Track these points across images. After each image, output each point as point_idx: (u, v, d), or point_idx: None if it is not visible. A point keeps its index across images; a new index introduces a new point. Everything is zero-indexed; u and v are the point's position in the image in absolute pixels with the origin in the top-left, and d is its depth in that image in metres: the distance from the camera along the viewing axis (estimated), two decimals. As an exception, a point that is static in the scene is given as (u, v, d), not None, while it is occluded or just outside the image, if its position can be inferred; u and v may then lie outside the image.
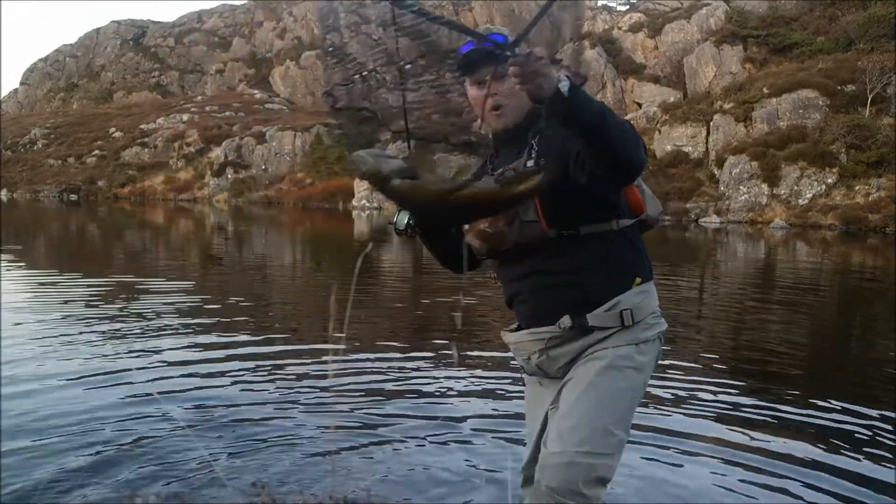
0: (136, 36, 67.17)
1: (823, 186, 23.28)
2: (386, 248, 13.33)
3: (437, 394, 4.08)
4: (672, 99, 32.87)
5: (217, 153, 41.23)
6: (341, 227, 22.55)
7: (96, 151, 47.50)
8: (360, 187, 32.33)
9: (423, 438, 3.32)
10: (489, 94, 1.76)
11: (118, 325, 5.75)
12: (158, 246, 15.51)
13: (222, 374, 4.37)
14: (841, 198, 22.79)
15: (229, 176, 40.06)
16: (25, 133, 51.66)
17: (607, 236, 1.77)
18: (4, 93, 77.75)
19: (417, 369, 4.61)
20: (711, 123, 26.88)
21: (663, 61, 36.06)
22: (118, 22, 69.18)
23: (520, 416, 2.06)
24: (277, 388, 4.10)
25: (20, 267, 10.23)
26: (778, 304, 8.08)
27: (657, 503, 2.71)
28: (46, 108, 63.52)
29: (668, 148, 27.25)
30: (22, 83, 70.83)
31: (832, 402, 3.99)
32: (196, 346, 5.14)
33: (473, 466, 3.00)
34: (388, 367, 4.61)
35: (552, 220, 1.72)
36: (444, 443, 3.28)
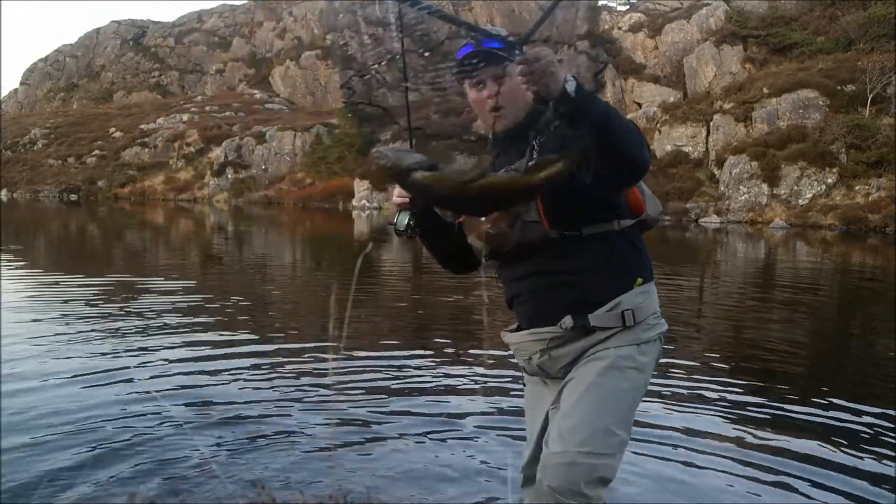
0: (136, 36, 67.14)
1: (823, 186, 23.27)
2: (386, 248, 13.33)
3: (438, 392, 4.09)
4: (672, 99, 32.85)
5: (217, 153, 41.20)
6: (341, 227, 22.55)
7: (96, 151, 47.47)
8: (360, 187, 32.32)
9: (424, 436, 3.33)
10: (489, 95, 1.76)
11: (118, 324, 5.76)
12: (158, 246, 15.51)
13: (222, 372, 4.37)
14: (841, 198, 22.78)
15: (229, 176, 40.03)
16: (25, 133, 51.63)
17: (609, 237, 1.77)
18: (4, 93, 77.79)
19: (418, 367, 4.61)
20: (711, 123, 26.86)
21: (663, 61, 36.05)
22: (118, 22, 69.15)
23: (521, 413, 2.06)
24: (277, 386, 4.10)
25: (20, 267, 10.23)
26: (778, 303, 8.08)
27: (661, 501, 2.72)
28: (46, 108, 63.49)
29: (668, 148, 27.24)
30: (22, 83, 70.81)
31: (833, 400, 4.00)
32: (196, 344, 5.14)
33: (474, 464, 3.01)
34: (389, 366, 4.61)
35: (554, 221, 1.72)
36: (445, 440, 3.28)
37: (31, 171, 47.13)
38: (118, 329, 5.58)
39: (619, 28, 39.58)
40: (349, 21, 1.73)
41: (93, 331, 5.48)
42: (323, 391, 4.01)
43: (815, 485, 2.87)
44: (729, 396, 4.09)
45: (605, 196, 1.74)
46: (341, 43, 1.76)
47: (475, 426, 3.47)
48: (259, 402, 3.80)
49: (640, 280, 1.80)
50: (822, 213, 22.39)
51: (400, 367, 4.59)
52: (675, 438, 3.35)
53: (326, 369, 4.47)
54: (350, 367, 4.55)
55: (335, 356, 4.86)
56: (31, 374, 4.23)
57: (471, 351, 5.11)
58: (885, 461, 3.13)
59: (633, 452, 3.07)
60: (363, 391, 4.03)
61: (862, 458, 3.17)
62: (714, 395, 4.09)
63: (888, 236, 19.35)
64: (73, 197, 43.11)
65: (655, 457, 3.12)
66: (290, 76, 52.34)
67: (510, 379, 4.22)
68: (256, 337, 5.48)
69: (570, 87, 1.45)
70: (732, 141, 25.95)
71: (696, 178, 26.10)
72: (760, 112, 25.83)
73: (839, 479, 2.92)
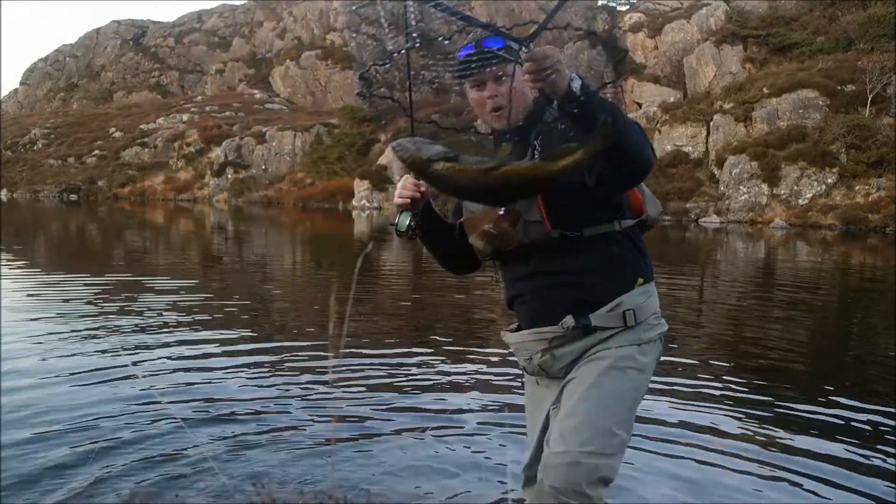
0: (136, 36, 67.15)
1: (823, 186, 23.27)
2: (386, 247, 13.33)
3: (438, 389, 4.09)
4: (672, 99, 32.82)
5: (217, 153, 41.19)
6: (341, 227, 22.55)
7: (96, 151, 47.47)
8: (360, 187, 32.32)
9: (424, 433, 3.33)
10: (489, 95, 1.77)
11: (117, 323, 5.76)
12: (158, 245, 15.51)
13: (221, 370, 4.38)
14: (841, 198, 22.78)
15: (229, 176, 40.03)
16: (25, 133, 51.62)
17: (610, 237, 1.77)
18: (4, 93, 77.85)
19: (418, 365, 4.62)
20: (711, 123, 26.86)
21: (663, 61, 36.02)
22: (118, 22, 69.17)
23: (522, 410, 2.06)
24: (277, 384, 4.11)
25: (20, 266, 10.23)
26: (779, 303, 8.09)
27: (666, 497, 2.72)
28: (46, 108, 63.49)
29: (668, 148, 27.22)
30: (22, 83, 70.82)
31: (835, 397, 4.02)
32: (195, 343, 5.14)
33: (475, 460, 3.01)
34: (389, 364, 4.62)
35: (556, 221, 1.73)
36: (446, 437, 3.29)
37: (31, 171, 47.13)
38: (118, 328, 5.58)
39: (619, 28, 39.54)
40: (370, 14, 1.76)
41: (92, 329, 5.48)
42: (323, 389, 4.01)
43: (818, 480, 2.89)
44: (731, 394, 4.10)
45: (606, 196, 1.75)
46: (358, 37, 1.79)
47: (476, 423, 3.47)
48: (258, 399, 3.80)
49: (640, 280, 1.80)
50: (822, 213, 22.39)
51: (400, 365, 4.59)
52: (678, 435, 3.36)
53: (326, 367, 4.47)
54: (350, 364, 4.55)
55: (335, 354, 4.87)
56: (31, 371, 4.23)
57: (471, 349, 5.11)
58: (887, 458, 3.15)
59: (640, 450, 3.07)
60: (363, 389, 4.03)
61: (864, 454, 3.18)
62: (716, 393, 4.10)
63: (888, 236, 19.35)
64: (73, 197, 43.12)
65: (658, 453, 3.12)
66: (290, 76, 52.33)
67: (511, 377, 4.23)
68: (256, 335, 5.49)
69: (576, 85, 1.46)
70: (732, 141, 25.95)
71: (696, 178, 26.09)
72: (760, 112, 25.83)
73: (843, 475, 2.94)
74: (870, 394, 4.15)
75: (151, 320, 5.94)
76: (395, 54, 1.80)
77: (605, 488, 1.65)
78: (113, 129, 49.55)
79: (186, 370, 4.36)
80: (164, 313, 6.27)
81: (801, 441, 3.32)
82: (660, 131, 27.94)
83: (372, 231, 19.98)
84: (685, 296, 8.46)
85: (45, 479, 2.71)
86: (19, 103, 68.48)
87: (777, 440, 3.34)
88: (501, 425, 3.43)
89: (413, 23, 1.75)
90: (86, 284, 8.08)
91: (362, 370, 4.44)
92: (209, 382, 4.12)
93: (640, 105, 33.62)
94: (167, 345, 5.05)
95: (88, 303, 6.77)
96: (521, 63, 1.63)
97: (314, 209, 32.19)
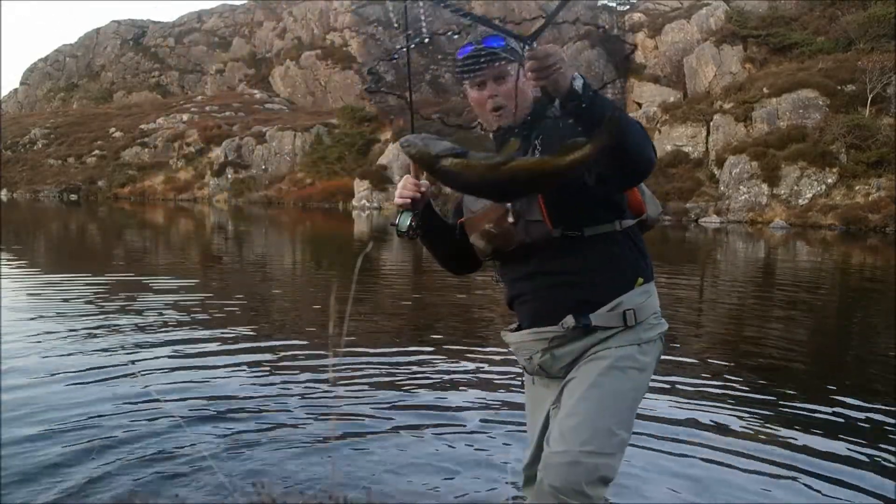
0: (136, 36, 67.11)
1: (823, 186, 23.26)
2: (386, 247, 13.33)
3: (438, 387, 4.09)
4: (672, 99, 32.81)
5: (217, 153, 41.18)
6: (341, 227, 22.55)
7: (96, 151, 47.45)
8: (360, 187, 32.31)
9: (424, 432, 3.33)
10: (490, 95, 1.77)
11: (117, 322, 5.76)
12: (158, 245, 15.51)
13: (221, 369, 4.38)
14: (841, 198, 22.77)
15: (229, 176, 40.01)
16: (25, 133, 51.60)
17: (611, 237, 1.78)
18: (4, 93, 77.73)
19: (418, 364, 4.62)
20: (711, 123, 26.85)
21: (663, 61, 36.01)
22: (118, 22, 69.13)
23: (522, 408, 2.07)
24: (276, 382, 4.11)
25: (20, 266, 10.23)
26: (779, 302, 8.09)
27: (668, 495, 2.72)
28: (46, 108, 63.47)
29: (668, 148, 27.21)
30: (22, 83, 70.78)
31: (836, 396, 4.02)
32: (195, 342, 5.14)
33: (476, 458, 3.01)
34: (388, 362, 4.62)
35: (556, 220, 1.73)
36: (446, 435, 3.29)
37: (31, 171, 47.11)
38: (117, 327, 5.58)
39: (619, 28, 39.58)
40: (380, 12, 1.79)
41: (92, 328, 5.48)
42: (323, 387, 4.01)
43: (822, 478, 2.89)
44: (733, 393, 4.11)
45: (607, 196, 1.75)
46: (369, 35, 1.82)
47: (476, 421, 3.47)
48: (258, 398, 3.80)
49: (641, 280, 1.80)
50: (822, 213, 22.39)
51: (400, 364, 4.59)
52: (681, 434, 3.36)
53: (326, 366, 4.47)
54: (350, 363, 4.55)
55: (335, 353, 4.87)
56: (31, 370, 4.23)
57: (471, 348, 5.11)
58: (890, 456, 3.15)
59: (643, 448, 3.08)
60: (363, 387, 4.03)
61: (867, 452, 3.18)
62: (718, 392, 4.11)
63: (888, 236, 19.35)
64: (73, 197, 43.10)
65: (661, 451, 3.12)
66: (290, 76, 52.32)
67: (511, 375, 4.23)
68: (255, 334, 5.49)
69: (578, 84, 1.46)
70: (732, 141, 25.95)
71: (696, 178, 26.09)
72: (760, 112, 25.83)
73: (846, 473, 2.95)
74: (870, 393, 4.15)
75: (151, 319, 5.94)
76: (403, 48, 1.81)
77: (604, 488, 1.65)
78: (113, 129, 49.53)
79: (186, 369, 4.36)
80: (163, 313, 6.27)
81: (804, 439, 3.33)
82: (660, 131, 27.94)
83: (372, 231, 19.98)
84: (685, 295, 8.46)
85: (45, 477, 2.71)
86: (19, 103, 68.46)
87: (779, 438, 3.35)
88: (502, 423, 3.43)
89: (422, 22, 1.76)
90: (86, 284, 8.08)
91: (362, 369, 4.44)
92: (208, 381, 4.12)
93: (640, 105, 33.61)
94: (166, 344, 5.05)
95: (88, 302, 6.77)
96: (523, 63, 1.63)
97: (314, 209, 32.18)
